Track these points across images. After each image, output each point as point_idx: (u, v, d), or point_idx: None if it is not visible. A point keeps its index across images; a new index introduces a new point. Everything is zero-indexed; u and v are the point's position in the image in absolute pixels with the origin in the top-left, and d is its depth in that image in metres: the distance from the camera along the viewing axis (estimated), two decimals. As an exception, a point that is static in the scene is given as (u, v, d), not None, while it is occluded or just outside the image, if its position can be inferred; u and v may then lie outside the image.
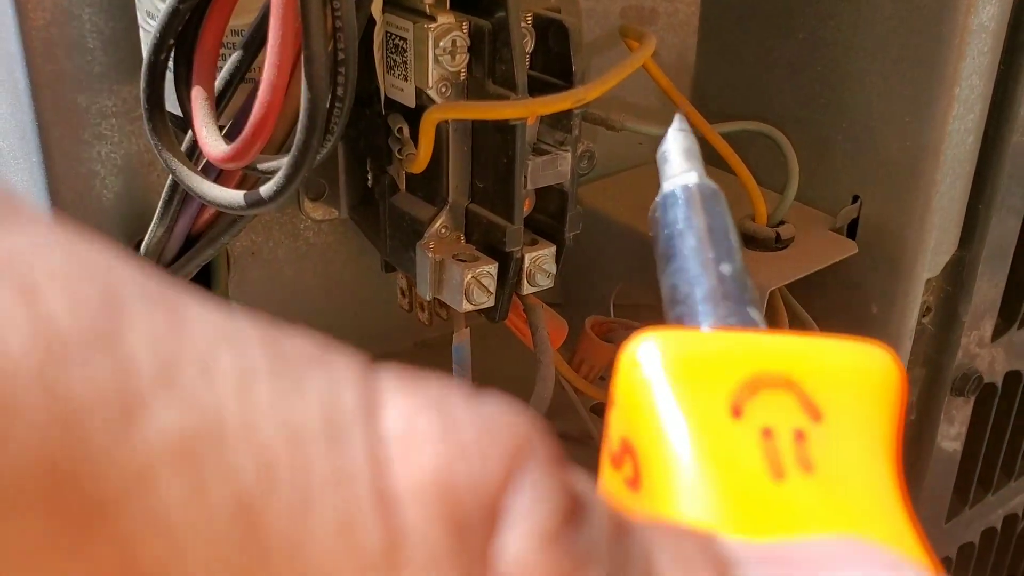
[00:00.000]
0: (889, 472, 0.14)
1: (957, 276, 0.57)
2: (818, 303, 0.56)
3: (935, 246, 0.53)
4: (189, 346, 0.11)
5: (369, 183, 0.46)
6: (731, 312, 0.17)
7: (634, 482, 0.15)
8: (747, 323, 0.17)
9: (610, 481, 0.16)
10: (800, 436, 0.14)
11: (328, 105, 0.33)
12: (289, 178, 0.33)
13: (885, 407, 0.15)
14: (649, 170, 0.60)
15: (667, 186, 0.19)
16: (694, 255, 0.18)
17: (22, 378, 0.10)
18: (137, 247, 0.45)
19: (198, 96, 0.35)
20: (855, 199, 0.54)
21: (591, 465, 0.50)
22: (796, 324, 0.54)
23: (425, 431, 0.12)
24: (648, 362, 0.15)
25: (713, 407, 0.14)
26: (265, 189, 0.34)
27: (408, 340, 0.58)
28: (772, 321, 0.53)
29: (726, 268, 0.17)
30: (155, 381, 0.11)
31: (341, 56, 0.33)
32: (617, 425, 0.15)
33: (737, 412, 0.14)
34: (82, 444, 0.10)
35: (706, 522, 0.14)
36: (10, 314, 0.10)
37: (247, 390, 0.11)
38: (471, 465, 0.12)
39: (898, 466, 0.15)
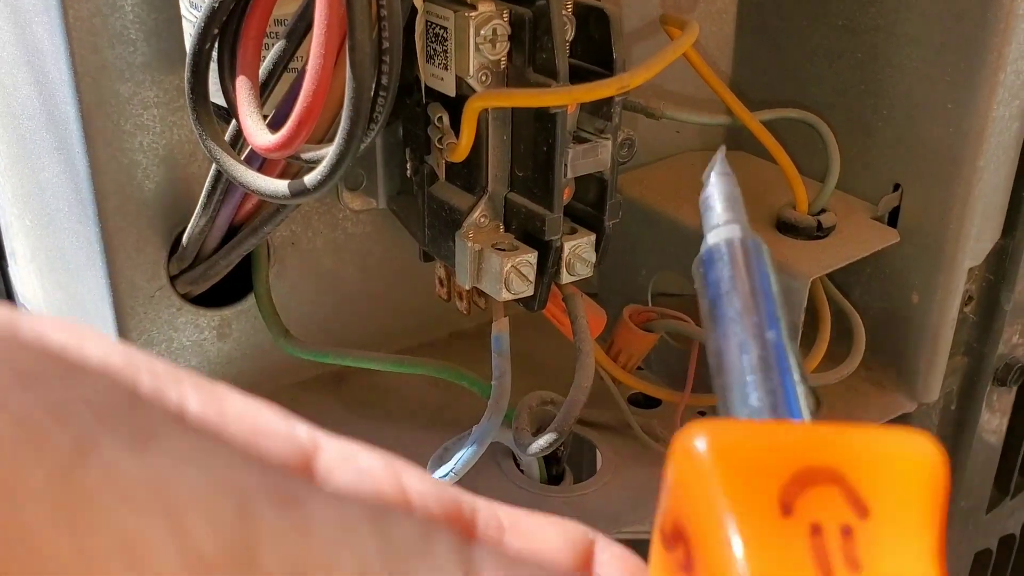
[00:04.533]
0: (935, 570, 0.15)
1: (999, 265, 0.56)
2: (859, 292, 0.56)
3: (977, 234, 0.52)
4: (314, 550, 0.13)
5: (408, 173, 0.46)
6: (777, 386, 0.17)
7: (687, 567, 0.15)
8: (791, 397, 0.17)
9: (662, 561, 0.16)
10: (847, 532, 0.15)
11: (372, 94, 0.33)
12: (334, 167, 0.33)
13: (930, 500, 0.15)
14: (687, 158, 0.60)
15: (711, 238, 0.19)
16: (739, 320, 0.18)
17: None
18: (179, 237, 0.45)
19: (242, 86, 0.35)
20: (896, 187, 0.53)
21: (631, 455, 0.49)
22: (837, 313, 0.54)
23: None
24: (701, 454, 0.15)
25: (764, 503, 0.15)
26: (310, 178, 0.35)
27: (444, 330, 0.58)
28: (814, 312, 0.53)
29: (771, 335, 0.18)
30: None
31: (385, 45, 0.32)
32: (671, 508, 0.16)
33: (787, 509, 0.15)
34: None
35: None
36: (162, 546, 0.12)
37: None
38: None
39: (942, 562, 0.15)
